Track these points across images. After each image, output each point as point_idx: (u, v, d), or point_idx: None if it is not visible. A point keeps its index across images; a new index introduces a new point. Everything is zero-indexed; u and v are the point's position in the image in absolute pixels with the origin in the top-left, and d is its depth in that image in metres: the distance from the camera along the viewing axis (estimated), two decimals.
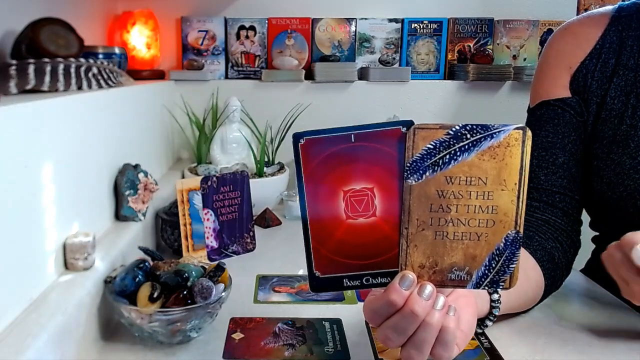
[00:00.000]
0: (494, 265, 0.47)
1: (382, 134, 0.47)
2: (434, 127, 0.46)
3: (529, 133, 0.45)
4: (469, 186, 0.46)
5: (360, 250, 0.49)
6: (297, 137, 0.48)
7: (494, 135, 0.45)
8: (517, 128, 0.45)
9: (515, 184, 0.46)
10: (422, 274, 0.48)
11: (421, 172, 0.46)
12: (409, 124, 0.46)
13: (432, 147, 0.46)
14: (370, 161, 0.48)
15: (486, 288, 0.47)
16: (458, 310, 0.52)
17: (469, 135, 0.46)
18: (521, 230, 0.46)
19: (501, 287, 0.47)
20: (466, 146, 0.46)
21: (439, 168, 0.46)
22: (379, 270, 0.49)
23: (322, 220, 0.49)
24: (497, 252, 0.47)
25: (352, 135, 0.48)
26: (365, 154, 0.48)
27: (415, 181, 0.47)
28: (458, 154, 0.46)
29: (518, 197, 0.46)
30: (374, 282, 0.50)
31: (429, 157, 0.46)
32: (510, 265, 0.47)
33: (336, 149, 0.48)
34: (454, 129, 0.46)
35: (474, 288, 0.48)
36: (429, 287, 0.47)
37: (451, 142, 0.46)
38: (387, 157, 0.47)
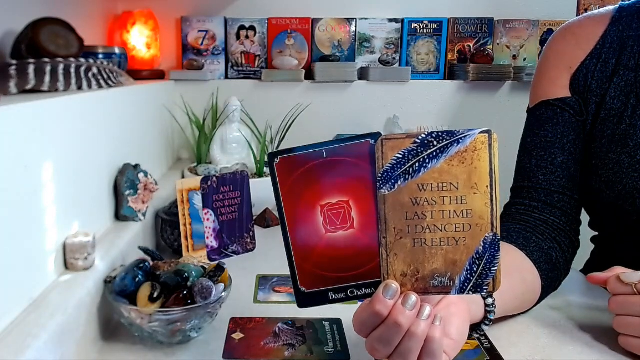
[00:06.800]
0: (475, 269, 0.47)
1: (352, 148, 0.48)
2: (400, 137, 0.47)
3: (495, 136, 0.46)
4: (441, 192, 0.47)
5: (342, 262, 0.49)
6: (271, 156, 0.49)
7: (461, 141, 0.46)
8: (482, 132, 0.46)
9: (487, 186, 0.46)
10: (405, 282, 0.48)
11: (393, 181, 0.47)
12: (376, 136, 0.47)
13: (401, 156, 0.47)
14: (343, 175, 0.48)
15: (470, 293, 0.47)
16: (449, 318, 0.52)
17: (435, 143, 0.46)
18: (498, 232, 0.47)
19: (485, 290, 0.47)
20: (434, 153, 0.46)
21: (410, 176, 0.47)
22: (363, 281, 0.49)
23: (302, 236, 0.50)
24: (477, 255, 0.47)
25: (324, 151, 0.48)
26: (338, 168, 0.48)
27: (388, 190, 0.47)
28: (427, 161, 0.47)
29: (491, 200, 0.46)
30: (359, 293, 0.50)
31: (399, 166, 0.47)
32: (492, 268, 0.47)
33: (310, 166, 0.49)
34: (420, 138, 0.46)
35: (457, 293, 0.47)
36: (413, 297, 0.47)
37: (419, 150, 0.47)
38: (359, 170, 0.48)
